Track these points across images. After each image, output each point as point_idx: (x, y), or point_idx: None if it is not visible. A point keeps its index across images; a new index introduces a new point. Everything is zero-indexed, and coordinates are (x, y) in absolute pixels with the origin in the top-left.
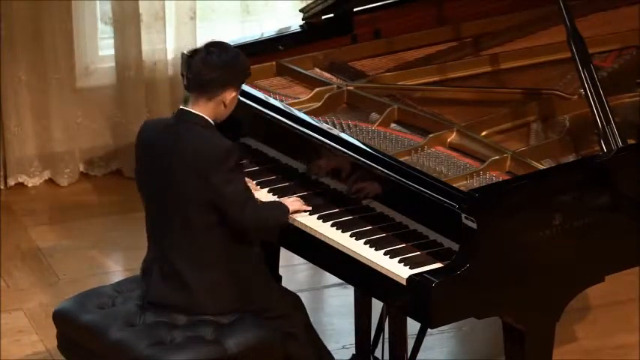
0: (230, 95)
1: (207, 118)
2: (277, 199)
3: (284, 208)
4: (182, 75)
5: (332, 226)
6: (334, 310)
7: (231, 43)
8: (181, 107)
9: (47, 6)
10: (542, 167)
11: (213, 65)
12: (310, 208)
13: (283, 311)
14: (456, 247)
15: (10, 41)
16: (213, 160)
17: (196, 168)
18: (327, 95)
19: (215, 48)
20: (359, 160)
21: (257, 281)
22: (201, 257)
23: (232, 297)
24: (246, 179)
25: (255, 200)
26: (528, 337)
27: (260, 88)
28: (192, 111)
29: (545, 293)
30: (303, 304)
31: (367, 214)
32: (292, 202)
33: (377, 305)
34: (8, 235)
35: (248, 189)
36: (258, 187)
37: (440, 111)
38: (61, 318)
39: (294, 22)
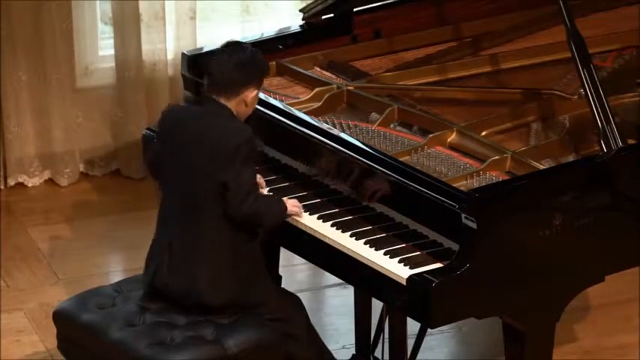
0: (251, 94)
1: (232, 110)
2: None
3: (282, 207)
4: (182, 75)
5: (332, 226)
6: (334, 310)
7: None
8: (210, 96)
9: (47, 6)
10: (542, 167)
11: (231, 65)
12: (303, 217)
13: (283, 314)
14: (456, 247)
15: (10, 41)
16: (232, 145)
17: (215, 151)
18: (327, 95)
19: (231, 47)
20: (359, 160)
21: (257, 279)
22: (206, 246)
23: (232, 289)
24: (258, 176)
25: (257, 195)
26: (528, 337)
27: None
28: (220, 101)
29: (545, 293)
30: (303, 306)
31: (367, 214)
32: (291, 205)
33: (377, 305)
34: (8, 235)
35: (255, 183)
36: (266, 188)
37: (440, 111)
38: (61, 318)
39: (294, 22)
